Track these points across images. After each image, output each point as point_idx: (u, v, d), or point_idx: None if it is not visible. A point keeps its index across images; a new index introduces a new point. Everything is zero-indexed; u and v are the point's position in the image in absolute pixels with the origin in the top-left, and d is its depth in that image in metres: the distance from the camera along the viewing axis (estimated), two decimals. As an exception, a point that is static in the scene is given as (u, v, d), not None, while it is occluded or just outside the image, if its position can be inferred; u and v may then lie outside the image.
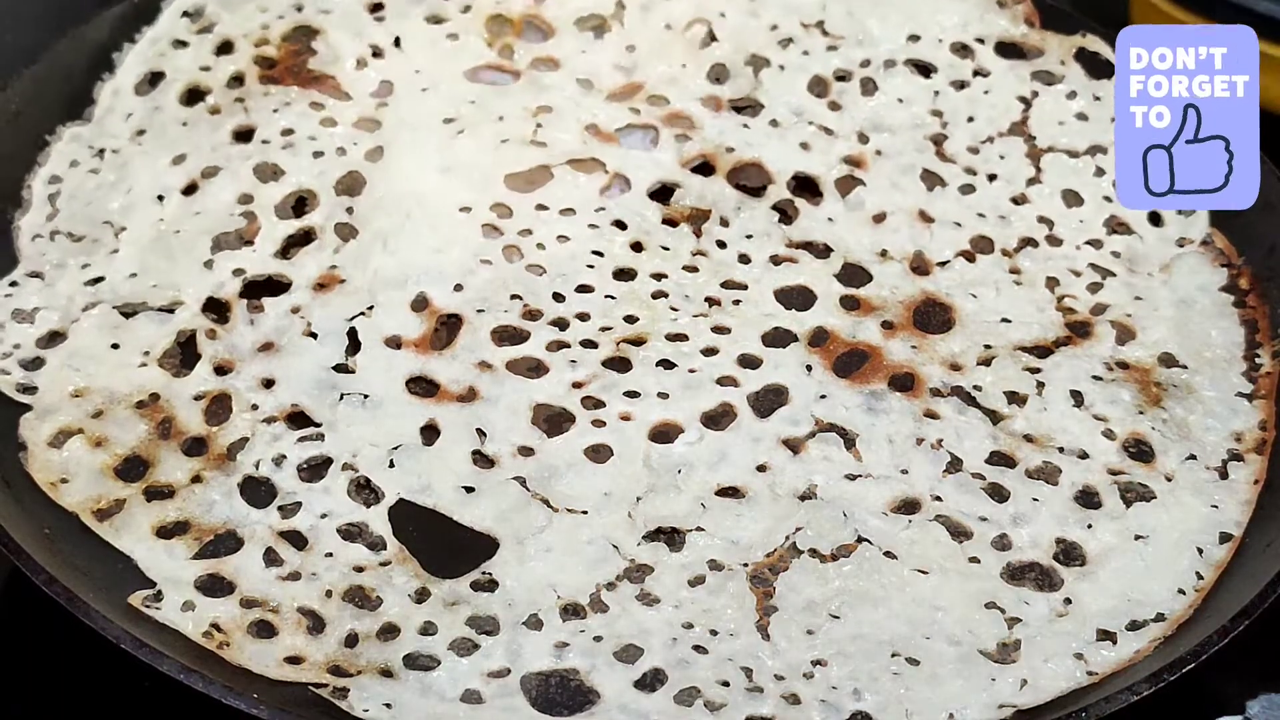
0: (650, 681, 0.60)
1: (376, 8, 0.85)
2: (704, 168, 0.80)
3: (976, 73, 0.84)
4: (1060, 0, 0.88)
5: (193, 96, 0.81)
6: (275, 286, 0.73)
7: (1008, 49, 0.86)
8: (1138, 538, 0.65)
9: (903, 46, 0.85)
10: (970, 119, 0.83)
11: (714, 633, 0.61)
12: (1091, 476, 0.68)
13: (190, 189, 0.77)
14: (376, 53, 0.83)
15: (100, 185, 0.77)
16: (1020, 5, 0.87)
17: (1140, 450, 0.69)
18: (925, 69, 0.85)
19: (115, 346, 0.70)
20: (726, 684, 0.59)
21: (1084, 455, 0.69)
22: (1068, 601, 0.63)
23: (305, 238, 0.75)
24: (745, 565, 0.63)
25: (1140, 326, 0.75)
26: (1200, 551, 0.65)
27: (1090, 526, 0.66)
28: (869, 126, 0.82)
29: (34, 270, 0.73)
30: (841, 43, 0.85)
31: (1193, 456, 0.69)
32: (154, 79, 0.82)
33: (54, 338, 0.70)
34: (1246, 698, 0.64)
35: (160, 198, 0.76)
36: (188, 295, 0.72)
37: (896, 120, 0.82)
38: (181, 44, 0.83)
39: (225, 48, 0.83)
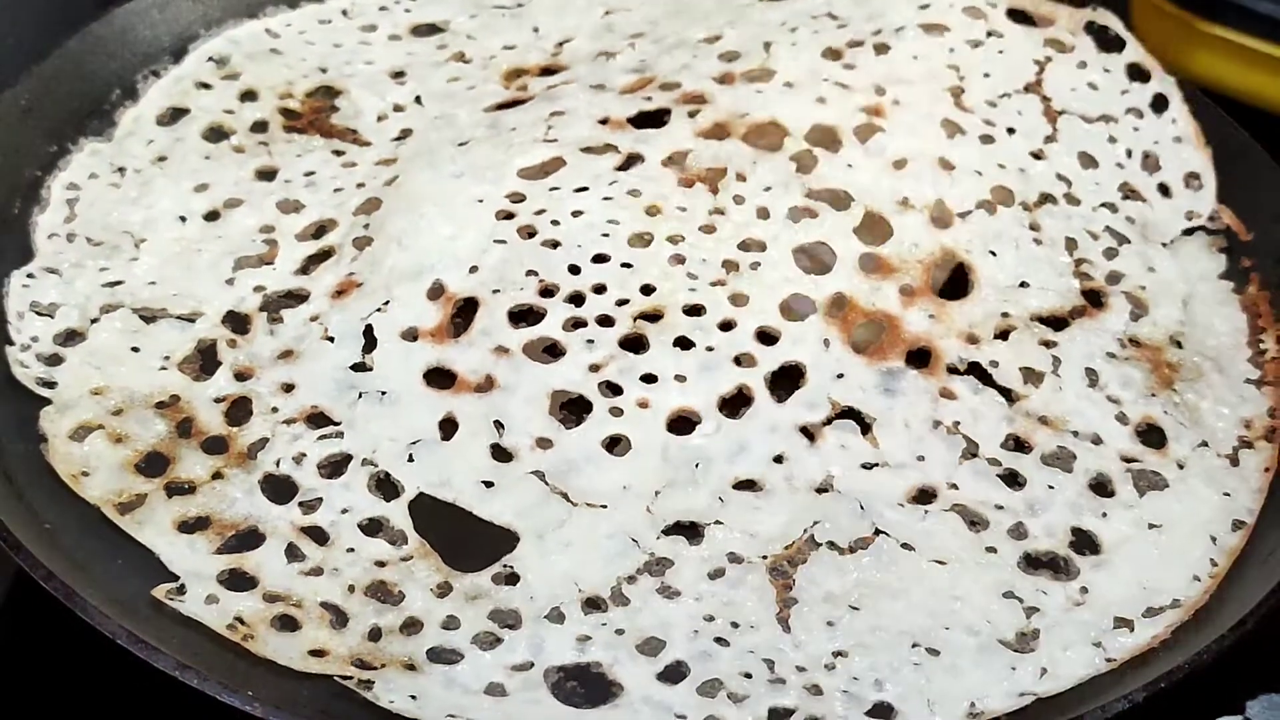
0: (673, 674, 0.60)
1: (398, 74, 0.86)
2: (718, 135, 0.78)
3: (990, 33, 0.83)
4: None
5: (215, 134, 0.82)
6: (294, 299, 0.73)
7: (1019, 15, 0.85)
8: (1151, 526, 0.66)
9: (914, 14, 0.84)
10: (986, 74, 0.82)
11: (735, 625, 0.61)
12: (1105, 464, 0.68)
13: (212, 215, 0.77)
14: (398, 108, 0.84)
15: (120, 199, 0.77)
16: None
17: (1152, 436, 0.70)
18: (937, 29, 0.83)
19: (135, 350, 0.70)
20: (749, 676, 0.60)
21: (1098, 440, 0.69)
22: (1084, 590, 0.63)
23: (325, 255, 0.75)
24: (764, 558, 0.64)
25: (1153, 302, 0.75)
26: (1214, 539, 0.66)
27: (1105, 515, 0.66)
28: (885, 80, 0.80)
29: (50, 267, 0.73)
30: (851, 20, 0.84)
31: (1204, 444, 0.69)
32: (176, 113, 0.82)
33: (72, 336, 0.70)
34: (1246, 698, 0.64)
35: (182, 219, 0.76)
36: (208, 307, 0.72)
37: (912, 73, 0.81)
38: (205, 86, 0.84)
39: (249, 95, 0.84)
